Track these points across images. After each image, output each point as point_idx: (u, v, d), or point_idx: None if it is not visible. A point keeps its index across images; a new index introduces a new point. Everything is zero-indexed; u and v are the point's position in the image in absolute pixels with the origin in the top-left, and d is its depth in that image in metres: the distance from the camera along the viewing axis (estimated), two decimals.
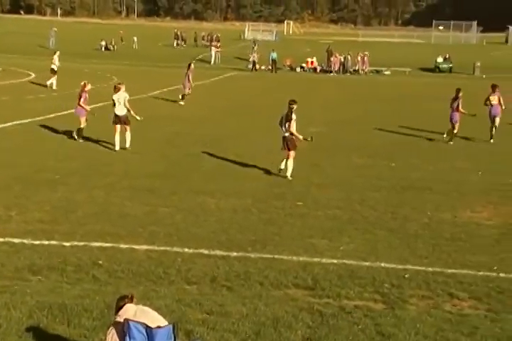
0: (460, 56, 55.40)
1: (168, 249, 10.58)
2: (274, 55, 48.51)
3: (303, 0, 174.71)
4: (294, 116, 15.20)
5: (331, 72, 48.74)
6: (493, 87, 22.00)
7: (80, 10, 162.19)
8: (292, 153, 15.38)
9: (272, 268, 9.84)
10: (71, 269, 9.54)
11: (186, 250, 10.54)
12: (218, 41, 63.52)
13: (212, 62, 50.13)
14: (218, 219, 12.31)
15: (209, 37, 72.73)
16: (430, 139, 21.72)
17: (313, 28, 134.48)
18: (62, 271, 9.47)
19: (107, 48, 62.19)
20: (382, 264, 10.13)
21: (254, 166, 16.81)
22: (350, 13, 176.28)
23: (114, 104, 18.31)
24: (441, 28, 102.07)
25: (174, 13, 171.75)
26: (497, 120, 21.50)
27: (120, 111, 18.21)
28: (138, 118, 18.40)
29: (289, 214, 12.77)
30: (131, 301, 5.84)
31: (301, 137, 15.56)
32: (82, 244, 10.65)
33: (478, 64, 49.04)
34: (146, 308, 5.90)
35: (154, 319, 5.75)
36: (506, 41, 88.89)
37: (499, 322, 8.20)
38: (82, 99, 19.23)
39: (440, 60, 52.76)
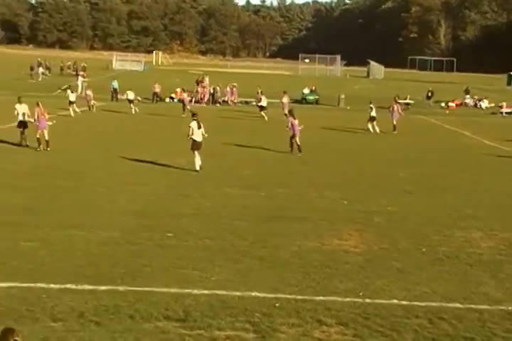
0: (326, 88, 57.54)
1: (32, 285, 10.13)
2: (115, 84, 47.34)
3: (172, 31, 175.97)
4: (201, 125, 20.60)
5: (198, 102, 48.85)
6: None
7: None
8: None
9: (142, 301, 9.65)
10: None
11: (52, 286, 10.13)
12: (84, 71, 62.45)
13: (79, 92, 49.08)
14: (86, 252, 11.94)
15: (75, 66, 71.45)
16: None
17: (182, 58, 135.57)
18: None
19: None
20: (254, 293, 10.19)
21: (120, 198, 16.56)
22: (219, 45, 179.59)
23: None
24: (307, 60, 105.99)
25: (38, 42, 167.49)
26: None
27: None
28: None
29: (159, 245, 12.61)
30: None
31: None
32: None
33: (343, 96, 51.02)
34: None
35: None
36: (368, 75, 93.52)
37: None
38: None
39: (307, 91, 54.35)
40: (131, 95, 39.76)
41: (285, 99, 38.77)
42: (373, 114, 33.12)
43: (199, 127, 20.51)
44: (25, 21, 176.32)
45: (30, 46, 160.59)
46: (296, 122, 25.04)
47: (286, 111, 28.59)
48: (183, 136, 21.14)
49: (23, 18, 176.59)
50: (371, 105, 33.32)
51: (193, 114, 21.28)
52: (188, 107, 37.49)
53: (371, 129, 33.07)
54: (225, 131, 30.64)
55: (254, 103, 43.74)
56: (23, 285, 10.12)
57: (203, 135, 20.64)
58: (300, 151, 24.72)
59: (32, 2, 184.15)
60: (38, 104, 23.91)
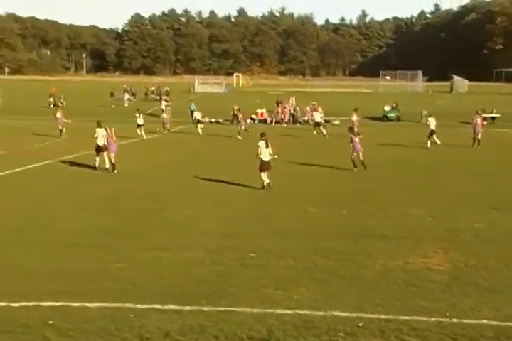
0: (407, 104, 56.81)
1: (121, 305, 10.44)
2: (193, 106, 48.31)
3: (251, 53, 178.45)
4: (269, 144, 20.78)
5: (278, 123, 49.11)
6: None
7: (28, 68, 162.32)
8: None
9: (226, 321, 9.77)
10: (20, 330, 9.31)
11: (139, 306, 10.41)
12: (168, 95, 63.99)
13: (162, 115, 50.19)
14: (172, 273, 12.21)
15: (158, 91, 73.32)
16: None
17: (262, 79, 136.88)
18: (9, 333, 9.23)
19: (55, 105, 61.56)
20: (337, 313, 10.14)
21: (203, 220, 16.84)
22: (299, 65, 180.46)
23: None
24: (387, 77, 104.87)
25: (123, 68, 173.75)
26: None
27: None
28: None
29: (242, 265, 12.74)
30: None
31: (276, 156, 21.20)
32: (31, 304, 10.42)
33: (425, 112, 50.11)
34: None
35: None
36: (451, 90, 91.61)
37: None
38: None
39: (388, 108, 53.72)
40: (198, 115, 41.39)
41: (354, 117, 37.94)
42: (432, 127, 32.75)
43: (267, 146, 20.74)
44: (111, 49, 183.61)
45: (117, 73, 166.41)
46: (357, 139, 24.94)
47: (355, 129, 27.97)
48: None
49: (110, 46, 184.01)
50: (429, 118, 32.94)
51: (262, 134, 21.39)
52: (243, 127, 39.14)
53: (436, 142, 32.54)
54: (298, 150, 30.71)
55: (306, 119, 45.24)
56: (113, 305, 10.44)
57: (270, 155, 20.82)
58: (355, 167, 24.81)
59: (118, 31, 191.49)
60: (106, 129, 24.80)
